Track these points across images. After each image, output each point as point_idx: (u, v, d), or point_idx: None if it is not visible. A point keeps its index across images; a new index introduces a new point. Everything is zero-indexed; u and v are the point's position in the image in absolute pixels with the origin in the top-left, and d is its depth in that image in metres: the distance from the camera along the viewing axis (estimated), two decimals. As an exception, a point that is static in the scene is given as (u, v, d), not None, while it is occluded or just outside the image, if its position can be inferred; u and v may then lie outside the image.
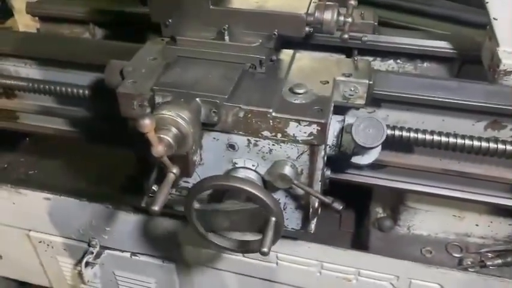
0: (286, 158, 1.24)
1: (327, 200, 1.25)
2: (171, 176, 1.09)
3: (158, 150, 1.02)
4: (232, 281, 1.91)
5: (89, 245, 1.99)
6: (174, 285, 2.03)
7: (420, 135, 1.35)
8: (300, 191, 1.31)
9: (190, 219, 1.26)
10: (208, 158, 1.31)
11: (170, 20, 1.33)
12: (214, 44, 1.32)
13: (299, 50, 1.64)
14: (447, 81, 1.46)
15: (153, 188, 1.33)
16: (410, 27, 2.54)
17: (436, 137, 1.34)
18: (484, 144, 1.32)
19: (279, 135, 1.19)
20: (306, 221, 1.40)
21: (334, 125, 1.34)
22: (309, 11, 1.28)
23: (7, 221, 2.09)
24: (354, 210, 2.06)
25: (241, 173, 1.28)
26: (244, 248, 1.31)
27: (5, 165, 2.31)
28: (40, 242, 2.09)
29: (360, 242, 1.88)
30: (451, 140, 1.33)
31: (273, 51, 1.34)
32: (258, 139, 1.22)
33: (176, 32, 1.35)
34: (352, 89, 1.30)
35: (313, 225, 1.41)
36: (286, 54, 1.41)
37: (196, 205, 1.22)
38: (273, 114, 1.16)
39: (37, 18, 2.20)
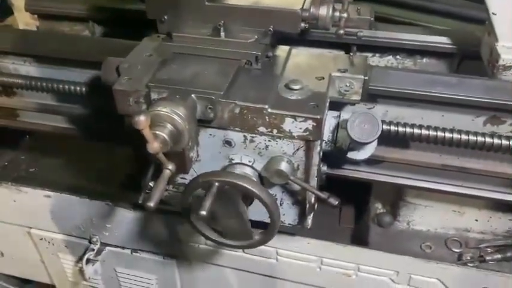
0: (283, 153, 1.25)
1: (323, 195, 1.26)
2: (166, 173, 1.09)
3: (153, 146, 1.02)
4: (233, 277, 1.91)
5: (90, 242, 1.99)
6: (175, 281, 2.04)
7: (416, 130, 1.35)
8: (297, 187, 1.31)
9: (186, 215, 1.27)
10: (205, 155, 1.32)
11: (166, 17, 1.34)
12: (210, 41, 1.32)
13: (299, 46, 1.65)
14: (446, 76, 1.46)
15: (150, 184, 1.33)
16: (409, 22, 2.54)
17: (432, 132, 1.34)
18: (483, 139, 1.32)
19: (275, 131, 1.19)
20: (302, 216, 1.40)
21: (330, 120, 1.34)
22: (304, 7, 1.28)
23: (8, 219, 2.09)
24: (354, 206, 2.07)
25: (237, 169, 1.28)
26: (241, 243, 1.32)
27: (6, 163, 2.32)
28: (41, 239, 2.10)
29: (359, 238, 1.89)
30: (447, 134, 1.34)
31: (268, 47, 1.34)
32: (254, 135, 1.23)
33: (172, 29, 1.35)
34: (348, 85, 1.30)
35: (309, 221, 1.42)
36: (282, 50, 1.41)
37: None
38: (269, 110, 1.17)
39: (36, 16, 2.20)
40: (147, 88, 1.21)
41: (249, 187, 1.14)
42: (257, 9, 1.30)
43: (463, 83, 1.37)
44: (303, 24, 1.30)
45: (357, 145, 1.32)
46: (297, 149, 1.23)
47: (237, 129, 1.23)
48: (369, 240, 1.81)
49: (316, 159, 1.26)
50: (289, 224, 1.44)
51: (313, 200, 1.36)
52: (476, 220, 1.75)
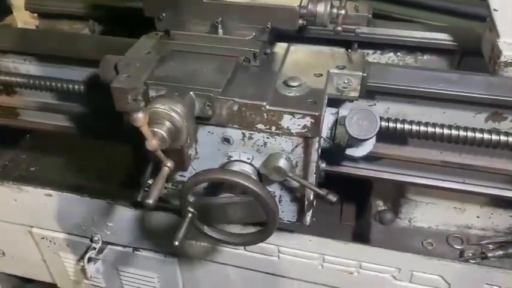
0: (281, 150, 1.25)
1: (322, 192, 1.26)
2: (165, 170, 1.09)
3: (152, 144, 1.02)
4: (235, 274, 1.92)
5: (91, 241, 2.00)
6: (176, 280, 2.04)
7: (414, 127, 1.35)
8: (295, 184, 1.32)
9: (184, 211, 1.27)
10: (204, 152, 1.32)
11: (164, 14, 1.34)
12: (208, 38, 1.32)
13: (300, 43, 1.66)
14: (448, 73, 1.46)
15: (149, 182, 1.33)
16: (407, 19, 2.54)
17: (430, 129, 1.34)
18: (481, 135, 1.32)
19: (273, 128, 1.19)
20: (301, 213, 1.41)
21: (328, 117, 1.35)
22: (302, 4, 1.29)
23: (9, 218, 2.09)
24: (355, 204, 2.07)
25: (236, 166, 1.29)
26: (240, 240, 1.33)
27: (7, 162, 2.32)
28: (42, 238, 2.10)
29: (361, 235, 1.89)
30: (446, 131, 1.34)
31: (267, 44, 1.35)
32: (252, 132, 1.23)
33: (170, 26, 1.35)
34: (346, 82, 1.30)
35: (308, 218, 1.42)
36: (280, 47, 1.42)
37: (191, 198, 1.22)
38: (267, 107, 1.17)
39: (36, 14, 2.20)
40: (145, 85, 1.21)
41: (248, 184, 1.14)
42: (255, 6, 1.30)
43: (464, 80, 1.37)
44: (300, 21, 1.30)
45: (355, 142, 1.33)
46: (296, 146, 1.23)
47: (235, 126, 1.23)
48: (371, 237, 1.81)
49: (314, 156, 1.26)
50: (288, 221, 1.44)
51: (311, 196, 1.37)
52: (478, 217, 1.75)
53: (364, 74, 1.29)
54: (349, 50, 1.37)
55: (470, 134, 1.32)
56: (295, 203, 1.39)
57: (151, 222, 1.85)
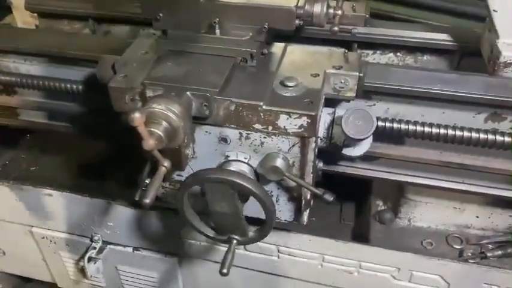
0: (278, 150, 1.26)
1: (318, 191, 1.27)
2: (162, 170, 1.10)
3: (149, 143, 1.03)
4: (234, 274, 1.91)
5: (92, 241, 2.00)
6: (176, 279, 2.04)
7: (411, 127, 1.36)
8: (292, 183, 1.33)
9: (181, 211, 1.28)
10: (201, 152, 1.32)
11: (161, 14, 1.34)
12: (205, 38, 1.33)
13: (300, 44, 1.66)
14: (447, 73, 1.46)
15: (146, 181, 1.34)
16: (408, 19, 2.55)
17: (427, 128, 1.35)
18: (480, 135, 1.32)
19: (270, 127, 1.20)
20: (298, 212, 1.41)
21: (325, 117, 1.35)
22: (299, 4, 1.29)
23: (9, 218, 2.10)
24: (355, 203, 2.07)
25: (233, 166, 1.29)
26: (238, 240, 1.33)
27: (7, 162, 2.32)
28: (43, 238, 2.10)
29: (360, 235, 1.89)
30: (442, 131, 1.34)
31: (264, 44, 1.35)
32: (249, 132, 1.24)
33: (167, 26, 1.36)
34: (343, 82, 1.31)
35: (305, 217, 1.43)
36: (277, 47, 1.42)
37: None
38: (264, 107, 1.17)
39: (36, 14, 2.19)
40: (143, 85, 1.22)
41: (245, 184, 1.15)
42: (252, 6, 1.31)
43: (463, 80, 1.38)
44: (297, 22, 1.31)
45: (352, 141, 1.33)
46: (292, 146, 1.24)
47: (232, 126, 1.24)
48: (370, 237, 1.81)
49: (311, 155, 1.27)
50: (285, 220, 1.45)
51: (309, 196, 1.37)
52: (477, 216, 1.75)
53: (361, 74, 1.30)
54: (346, 50, 1.37)
55: (466, 133, 1.33)
56: (292, 203, 1.40)
57: (151, 222, 1.85)
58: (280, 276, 1.85)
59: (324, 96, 1.30)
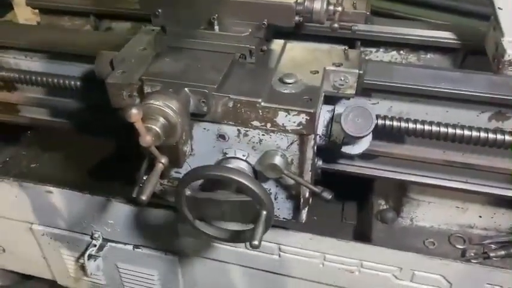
0: (276, 147, 1.25)
1: (317, 189, 1.26)
2: (159, 166, 1.10)
3: (146, 140, 1.03)
4: (235, 272, 1.91)
5: (92, 238, 1.99)
6: (176, 277, 2.04)
7: (411, 125, 1.35)
8: (291, 181, 1.32)
9: (180, 208, 1.27)
10: (199, 149, 1.32)
11: (160, 10, 1.33)
12: (204, 34, 1.32)
13: (302, 41, 1.65)
14: (451, 72, 1.45)
15: (144, 178, 1.33)
16: (411, 18, 2.54)
17: (427, 127, 1.34)
18: (480, 134, 1.31)
19: (269, 125, 1.19)
20: (297, 210, 1.41)
21: (324, 114, 1.35)
22: (299, 0, 1.28)
23: (10, 214, 2.09)
24: (357, 202, 2.06)
25: (231, 163, 1.29)
26: (235, 237, 1.33)
27: (7, 159, 2.32)
28: (43, 235, 2.09)
29: (362, 234, 1.88)
30: (442, 129, 1.33)
31: (263, 41, 1.34)
32: (248, 129, 1.23)
33: (166, 22, 1.35)
34: (342, 79, 1.30)
35: (304, 215, 1.42)
36: (277, 44, 1.41)
37: (187, 192, 1.23)
38: (262, 104, 1.17)
39: (37, 10, 2.19)
40: (141, 81, 1.21)
41: (243, 181, 1.15)
42: (251, 2, 1.30)
43: (467, 78, 1.37)
44: (297, 18, 1.30)
45: (351, 139, 1.32)
46: (291, 143, 1.23)
47: (230, 123, 1.23)
48: (372, 236, 1.80)
49: (310, 153, 1.26)
50: (283, 218, 1.44)
51: (307, 194, 1.37)
52: (480, 216, 1.74)
53: (361, 72, 1.29)
54: (346, 48, 1.36)
55: (466, 132, 1.32)
56: (290, 200, 1.39)
57: (152, 220, 1.85)
58: (281, 275, 1.84)
59: (323, 94, 1.29)
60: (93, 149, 2.17)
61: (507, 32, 1.39)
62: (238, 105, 1.18)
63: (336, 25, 1.34)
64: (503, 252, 1.67)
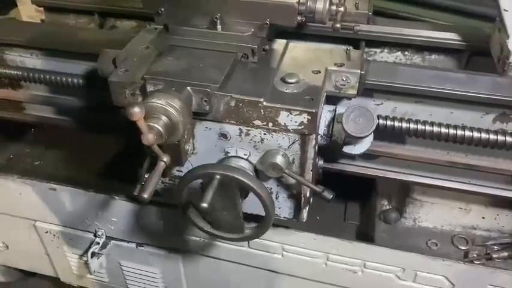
0: (278, 147, 1.25)
1: (318, 189, 1.26)
2: (161, 165, 1.10)
3: (148, 138, 1.03)
4: (238, 272, 1.91)
5: (95, 236, 2.00)
6: (179, 275, 2.04)
7: (412, 125, 1.35)
8: (292, 180, 1.32)
9: (180, 206, 1.28)
10: (201, 147, 1.32)
11: (162, 9, 1.34)
12: (206, 33, 1.32)
13: (307, 41, 1.65)
14: (456, 73, 1.45)
15: (145, 176, 1.33)
16: (415, 18, 2.53)
17: (428, 127, 1.34)
18: (484, 135, 1.31)
19: (270, 124, 1.20)
20: (298, 210, 1.41)
21: (326, 114, 1.35)
22: (301, 0, 1.28)
23: (13, 211, 2.10)
24: (360, 202, 2.06)
25: (233, 162, 1.29)
26: (235, 236, 1.34)
27: (11, 156, 2.33)
28: (46, 232, 2.10)
29: (365, 234, 1.88)
30: (443, 130, 1.33)
31: (265, 40, 1.34)
32: (249, 128, 1.24)
33: (168, 21, 1.35)
34: (344, 79, 1.30)
35: (305, 214, 1.42)
36: (279, 43, 1.42)
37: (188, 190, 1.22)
38: (264, 103, 1.17)
39: (42, 8, 2.19)
40: (143, 80, 1.21)
41: (244, 180, 1.15)
42: (254, 2, 1.30)
43: (472, 80, 1.37)
44: (299, 18, 1.30)
45: (352, 139, 1.33)
46: (292, 143, 1.24)
47: (232, 122, 1.23)
48: (375, 236, 1.80)
49: (311, 153, 1.26)
50: (284, 217, 1.45)
51: (308, 193, 1.37)
52: (483, 218, 1.74)
53: (363, 72, 1.29)
54: (348, 48, 1.36)
55: (468, 133, 1.32)
56: (291, 200, 1.40)
57: (155, 218, 1.85)
58: (284, 274, 1.85)
59: (325, 94, 1.29)
60: (96, 146, 2.17)
61: (513, 33, 1.39)
62: (240, 104, 1.18)
63: (338, 25, 1.35)
64: (505, 254, 1.67)
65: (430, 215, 1.78)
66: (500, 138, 1.30)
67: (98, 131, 1.86)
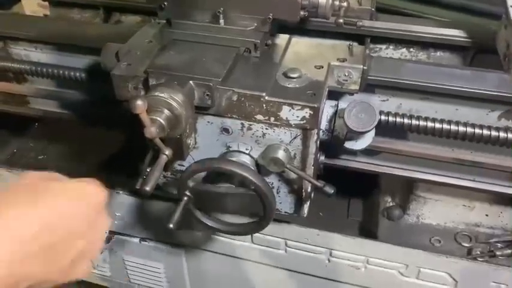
0: (280, 142, 1.25)
1: (319, 183, 1.27)
2: (163, 158, 1.10)
3: (150, 131, 1.03)
4: (241, 267, 1.92)
5: (98, 230, 2.00)
6: (182, 270, 2.05)
7: (414, 122, 1.34)
8: (293, 175, 1.32)
9: (181, 196, 1.28)
10: (203, 142, 1.32)
11: (165, 3, 1.34)
12: (209, 28, 1.32)
13: (310, 36, 1.64)
14: (461, 69, 1.45)
15: (147, 170, 1.33)
16: (419, 15, 2.52)
17: (430, 123, 1.33)
18: (486, 132, 1.30)
19: (272, 119, 1.20)
20: (299, 205, 1.41)
21: (328, 109, 1.35)
22: None
23: (17, 205, 2.10)
24: (363, 199, 2.06)
25: (235, 157, 1.29)
26: (235, 230, 1.35)
27: (15, 150, 2.33)
28: (49, 226, 2.10)
29: (368, 231, 1.88)
30: (445, 126, 1.32)
31: (268, 35, 1.34)
32: (251, 123, 1.24)
33: (171, 15, 1.35)
34: (347, 74, 1.30)
35: (306, 209, 1.43)
36: (282, 38, 1.42)
37: (190, 184, 1.24)
38: (266, 98, 1.17)
39: (46, 3, 2.19)
40: (146, 74, 1.21)
41: (246, 174, 1.16)
42: None
43: (478, 77, 1.36)
44: (302, 13, 1.29)
45: (354, 135, 1.33)
46: (294, 138, 1.24)
47: (234, 116, 1.23)
48: (378, 233, 1.80)
49: (313, 148, 1.26)
50: (285, 212, 1.45)
51: (309, 188, 1.37)
52: (487, 215, 1.74)
53: (365, 67, 1.29)
54: (351, 43, 1.36)
55: (469, 129, 1.31)
56: (293, 195, 1.40)
57: (158, 213, 1.85)
58: (286, 270, 1.85)
59: (327, 89, 1.29)
60: (100, 141, 2.17)
61: (519, 30, 1.39)
62: (243, 98, 1.18)
63: (341, 20, 1.34)
64: (509, 251, 1.67)
65: (434, 212, 1.78)
66: (506, 135, 1.30)
67: (101, 125, 1.86)
